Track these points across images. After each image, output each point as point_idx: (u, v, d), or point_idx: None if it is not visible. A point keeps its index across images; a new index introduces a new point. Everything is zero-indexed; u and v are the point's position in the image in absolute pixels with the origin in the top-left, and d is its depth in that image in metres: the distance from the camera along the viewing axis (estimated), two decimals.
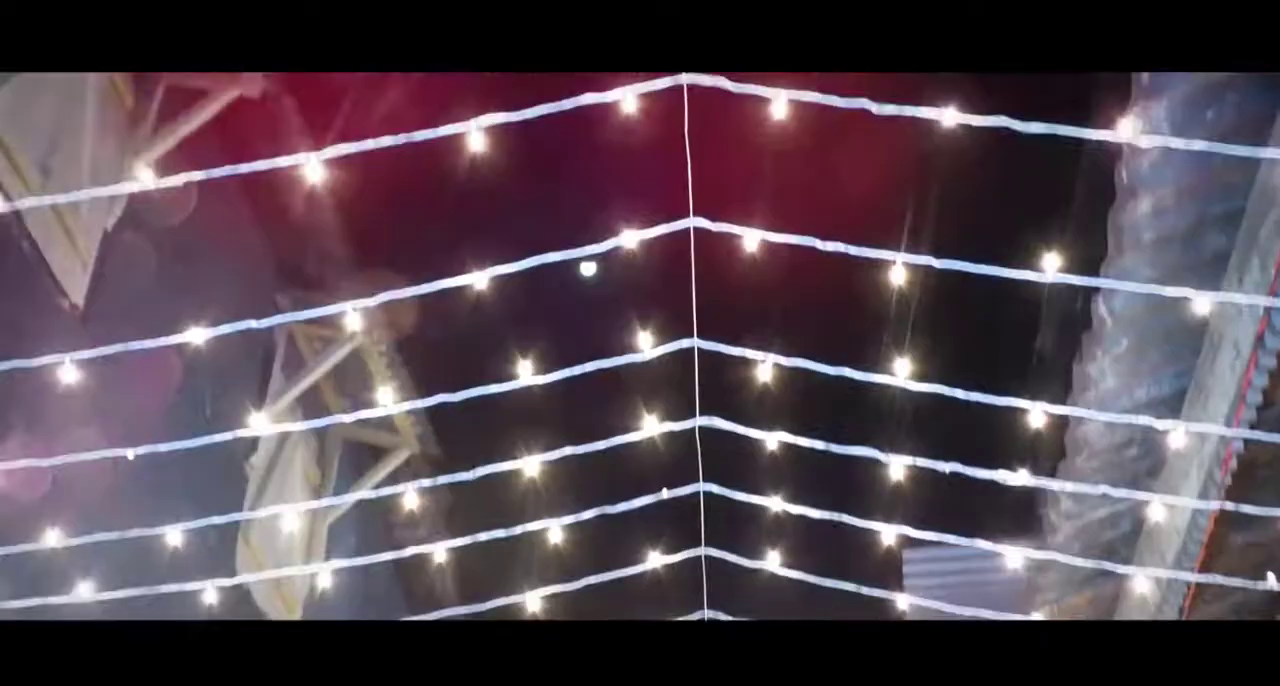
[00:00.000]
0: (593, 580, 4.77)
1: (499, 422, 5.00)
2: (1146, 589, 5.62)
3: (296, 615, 8.59)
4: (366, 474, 9.20)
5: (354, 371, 8.79)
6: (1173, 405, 5.09)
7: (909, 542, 9.45)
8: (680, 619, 5.18)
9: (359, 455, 9.36)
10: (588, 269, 9.48)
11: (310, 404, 9.03)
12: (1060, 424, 5.32)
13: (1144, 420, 3.86)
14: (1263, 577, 5.72)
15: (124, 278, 6.51)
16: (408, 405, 4.59)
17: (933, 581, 9.80)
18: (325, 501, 6.51)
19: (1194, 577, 4.97)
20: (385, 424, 9.41)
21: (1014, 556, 4.37)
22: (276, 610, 8.28)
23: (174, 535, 4.68)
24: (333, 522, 9.06)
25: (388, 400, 4.05)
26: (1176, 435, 3.75)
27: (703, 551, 4.80)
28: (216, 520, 4.77)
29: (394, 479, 9.27)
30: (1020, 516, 5.59)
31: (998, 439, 4.69)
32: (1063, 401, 5.23)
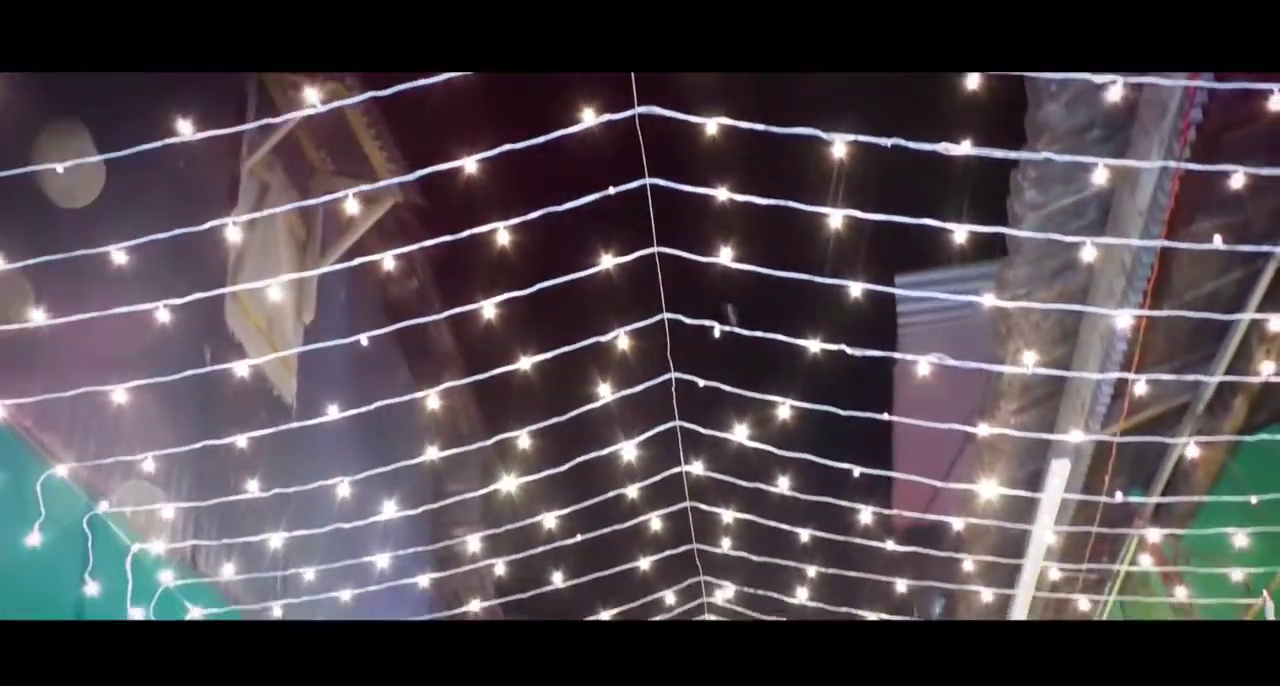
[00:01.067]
0: (545, 285, 4.76)
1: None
2: (1113, 277, 5.60)
3: (292, 374, 8.71)
4: (351, 226, 9.17)
5: (330, 119, 8.69)
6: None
7: (895, 282, 9.47)
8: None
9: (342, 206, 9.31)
10: None
11: (288, 156, 8.96)
12: (1019, 106, 5.20)
13: (1085, 76, 3.74)
14: (1225, 266, 5.71)
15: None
16: (339, 103, 4.47)
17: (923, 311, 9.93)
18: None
19: (1159, 244, 4.91)
20: (367, 174, 9.35)
21: (962, 232, 4.30)
22: (271, 363, 8.37)
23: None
24: (322, 276, 9.09)
25: (314, 102, 3.93)
26: (1117, 89, 3.62)
27: (655, 250, 4.77)
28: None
29: (379, 228, 9.28)
30: (981, 209, 5.50)
31: (945, 116, 4.59)
32: (1019, 87, 5.11)
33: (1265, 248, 4.41)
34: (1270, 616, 5.52)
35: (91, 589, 5.26)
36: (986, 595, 6.46)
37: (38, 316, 4.69)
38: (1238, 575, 5.74)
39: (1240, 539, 5.42)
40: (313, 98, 5.54)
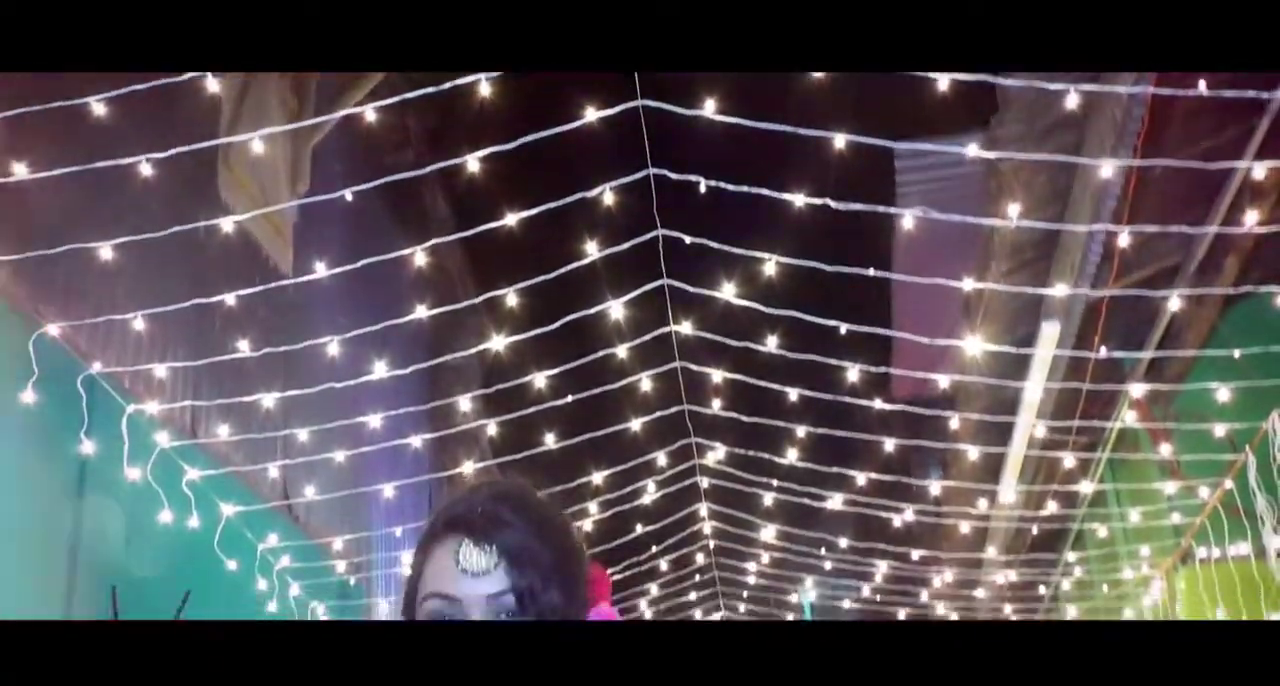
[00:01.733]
0: (528, 138, 4.74)
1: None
2: (1104, 133, 5.57)
3: (287, 237, 8.71)
4: (345, 94, 9.09)
5: None
6: None
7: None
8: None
9: (336, 77, 9.25)
10: None
11: None
12: None
13: None
14: (1219, 123, 5.66)
15: None
16: None
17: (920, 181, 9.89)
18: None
19: (1146, 91, 4.87)
20: None
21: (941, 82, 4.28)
22: (266, 234, 8.37)
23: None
24: (315, 144, 9.05)
25: None
26: None
27: (639, 103, 4.74)
28: None
29: (372, 97, 9.19)
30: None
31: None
32: None
33: (1251, 94, 4.35)
34: (1252, 471, 5.59)
35: (88, 448, 5.33)
36: (974, 454, 6.51)
37: (20, 171, 4.70)
38: (1221, 431, 5.80)
39: (1224, 395, 5.46)
40: None
